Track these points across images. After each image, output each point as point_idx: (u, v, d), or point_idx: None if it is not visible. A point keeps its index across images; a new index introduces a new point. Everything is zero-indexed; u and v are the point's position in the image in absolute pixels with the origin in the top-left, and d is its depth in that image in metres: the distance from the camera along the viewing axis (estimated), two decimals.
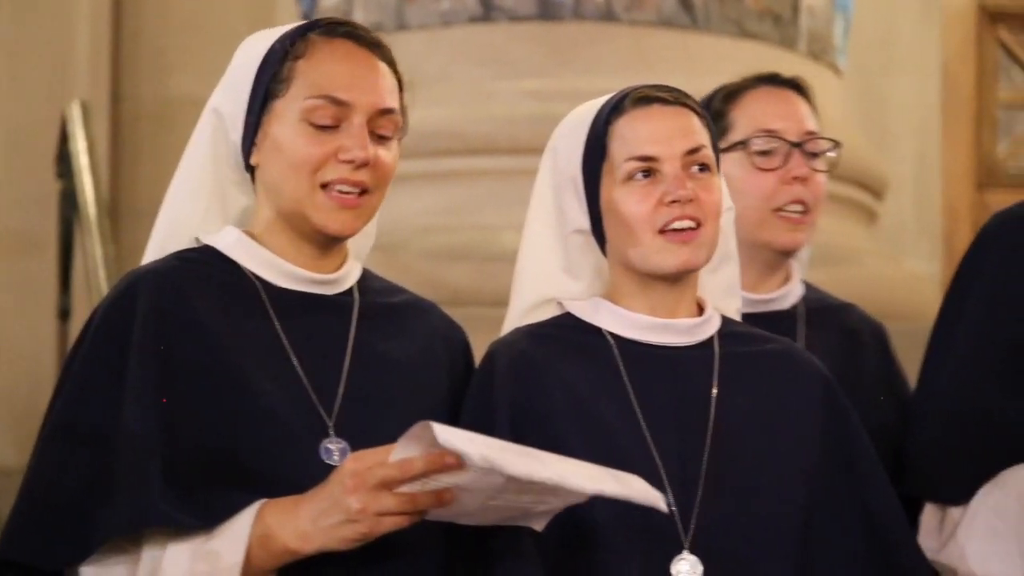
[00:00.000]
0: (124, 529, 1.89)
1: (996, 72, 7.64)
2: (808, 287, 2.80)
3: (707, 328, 2.25)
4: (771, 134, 2.66)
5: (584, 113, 2.27)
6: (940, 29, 7.42)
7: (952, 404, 2.45)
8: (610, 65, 4.66)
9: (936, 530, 2.44)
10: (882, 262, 5.45)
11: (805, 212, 2.68)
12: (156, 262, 2.10)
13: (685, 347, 2.23)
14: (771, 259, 2.71)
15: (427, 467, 1.81)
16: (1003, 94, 7.64)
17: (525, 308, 2.30)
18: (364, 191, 2.07)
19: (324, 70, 2.07)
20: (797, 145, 2.66)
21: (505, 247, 4.46)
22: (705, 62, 4.70)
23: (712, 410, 2.18)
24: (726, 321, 2.29)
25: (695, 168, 2.20)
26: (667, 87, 2.25)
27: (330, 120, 2.04)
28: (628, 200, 2.18)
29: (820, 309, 2.76)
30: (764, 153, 2.66)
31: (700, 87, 4.24)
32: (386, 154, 2.10)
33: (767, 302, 2.71)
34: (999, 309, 2.44)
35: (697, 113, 2.24)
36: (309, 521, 1.87)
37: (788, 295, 2.74)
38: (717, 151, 2.27)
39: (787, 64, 5.07)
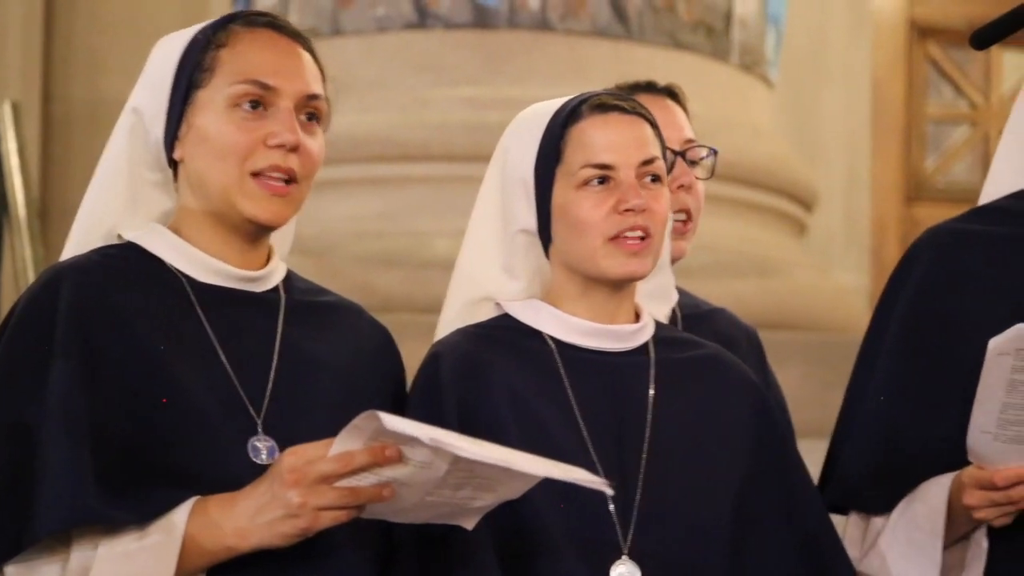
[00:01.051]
0: (57, 526, 1.87)
1: (925, 87, 7.71)
2: (681, 293, 2.83)
3: (643, 334, 2.27)
4: None
5: (539, 114, 2.28)
6: (871, 44, 7.48)
7: (876, 418, 2.49)
8: (544, 74, 4.68)
9: (860, 540, 2.47)
10: (811, 274, 5.49)
11: (688, 220, 2.71)
12: (77, 258, 2.06)
13: (622, 352, 2.25)
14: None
15: (368, 460, 1.81)
16: (932, 109, 7.71)
17: (462, 304, 2.30)
18: (292, 180, 2.06)
19: (249, 57, 2.07)
20: (679, 154, 2.70)
21: (437, 254, 4.47)
22: (639, 72, 4.70)
23: (649, 416, 2.20)
24: (659, 326, 2.31)
25: (648, 178, 2.22)
26: (624, 96, 2.27)
27: (258, 102, 2.04)
28: (582, 205, 2.20)
29: (694, 316, 2.79)
30: None
31: None
32: (313, 144, 2.09)
33: None
34: (922, 325, 2.48)
35: (651, 123, 2.27)
36: (247, 517, 1.86)
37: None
38: (665, 160, 2.29)
39: (719, 75, 5.12)
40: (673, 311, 2.72)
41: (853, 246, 7.36)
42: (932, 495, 2.35)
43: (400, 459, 1.79)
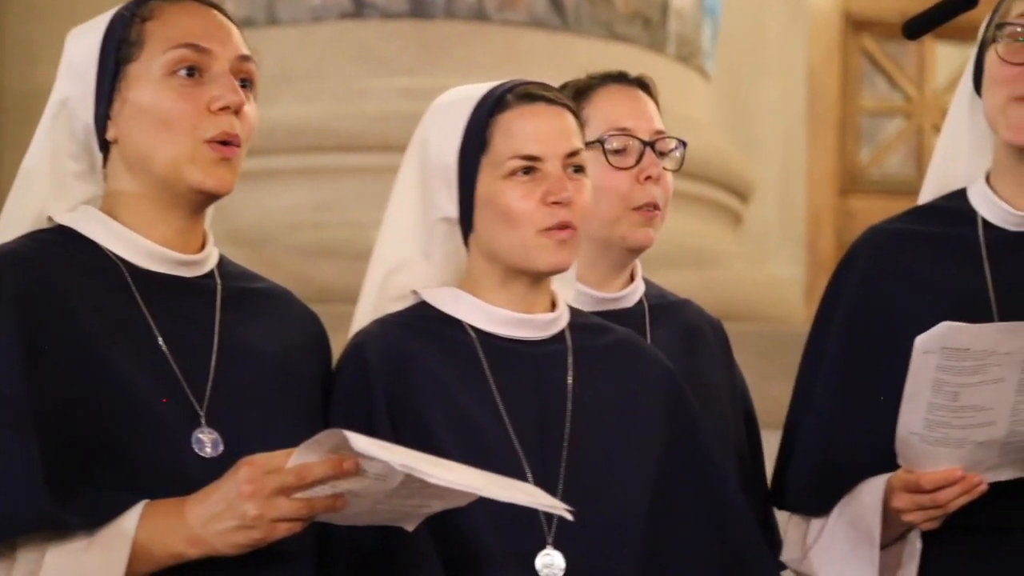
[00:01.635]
0: (9, 534, 1.84)
1: (860, 80, 7.76)
2: (647, 283, 2.84)
3: (560, 322, 2.28)
4: (624, 132, 2.69)
5: (458, 102, 2.27)
6: (806, 36, 7.52)
7: (817, 421, 2.51)
8: (481, 64, 4.68)
9: (800, 541, 2.49)
10: (747, 265, 5.52)
11: (656, 210, 2.71)
12: (11, 243, 2.02)
13: (541, 341, 2.25)
14: (620, 257, 2.74)
15: (327, 473, 1.80)
16: (866, 102, 7.76)
17: (380, 292, 2.30)
18: (236, 144, 2.05)
19: (178, 23, 2.05)
20: (649, 144, 2.70)
21: (373, 244, 4.46)
22: (575, 63, 4.70)
23: (569, 405, 2.21)
24: (574, 313, 2.32)
25: (572, 170, 2.22)
26: (547, 85, 2.27)
27: (194, 69, 2.02)
28: (510, 195, 2.20)
29: (662, 306, 2.80)
30: (618, 152, 2.69)
31: None
32: (251, 108, 2.08)
33: (614, 300, 2.74)
34: (862, 326, 2.49)
35: (574, 113, 2.27)
36: (199, 525, 1.84)
37: (633, 293, 2.77)
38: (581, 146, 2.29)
39: (656, 66, 5.12)
40: (641, 300, 2.74)
41: (788, 238, 7.40)
42: (868, 496, 2.37)
43: (358, 471, 1.79)
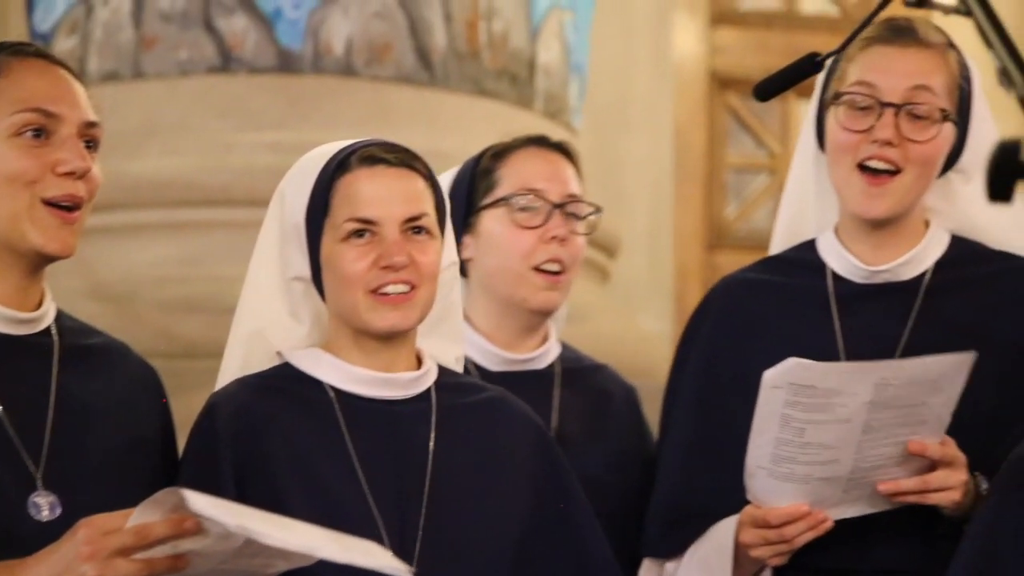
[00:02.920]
0: None
1: (725, 136, 7.85)
2: (564, 347, 2.86)
3: (425, 380, 2.27)
4: (534, 193, 2.72)
5: (313, 161, 2.28)
6: (672, 94, 7.60)
7: (672, 468, 2.54)
8: (349, 119, 4.67)
9: None
10: (614, 319, 5.54)
11: (561, 272, 2.73)
12: None
13: (403, 400, 2.24)
14: (527, 319, 2.76)
15: (167, 533, 1.78)
16: (732, 158, 7.85)
17: (246, 351, 2.28)
18: (78, 207, 2.03)
19: (26, 85, 2.04)
20: (559, 206, 2.72)
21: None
22: (444, 119, 4.74)
23: (430, 464, 2.21)
24: (443, 372, 2.32)
25: (414, 232, 2.22)
26: (396, 147, 2.27)
27: (40, 130, 2.00)
28: (344, 258, 2.20)
29: (576, 370, 2.82)
30: (525, 210, 2.72)
31: (439, 143, 4.28)
32: (97, 170, 2.07)
33: (524, 361, 2.76)
34: (714, 375, 2.53)
35: (423, 175, 2.27)
36: None
37: (545, 355, 2.79)
38: (443, 211, 2.30)
39: (524, 123, 5.15)
40: (554, 364, 2.75)
41: (657, 292, 7.45)
42: (720, 535, 2.40)
43: (199, 531, 1.77)
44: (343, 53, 4.80)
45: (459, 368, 2.40)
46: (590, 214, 2.77)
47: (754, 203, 7.84)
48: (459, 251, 2.65)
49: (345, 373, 2.23)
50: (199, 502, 1.72)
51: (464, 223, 2.73)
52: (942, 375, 2.23)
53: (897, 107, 2.40)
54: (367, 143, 2.26)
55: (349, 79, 4.79)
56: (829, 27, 7.57)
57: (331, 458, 2.17)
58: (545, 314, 2.77)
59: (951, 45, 2.46)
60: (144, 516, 1.78)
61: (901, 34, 2.44)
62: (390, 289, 2.19)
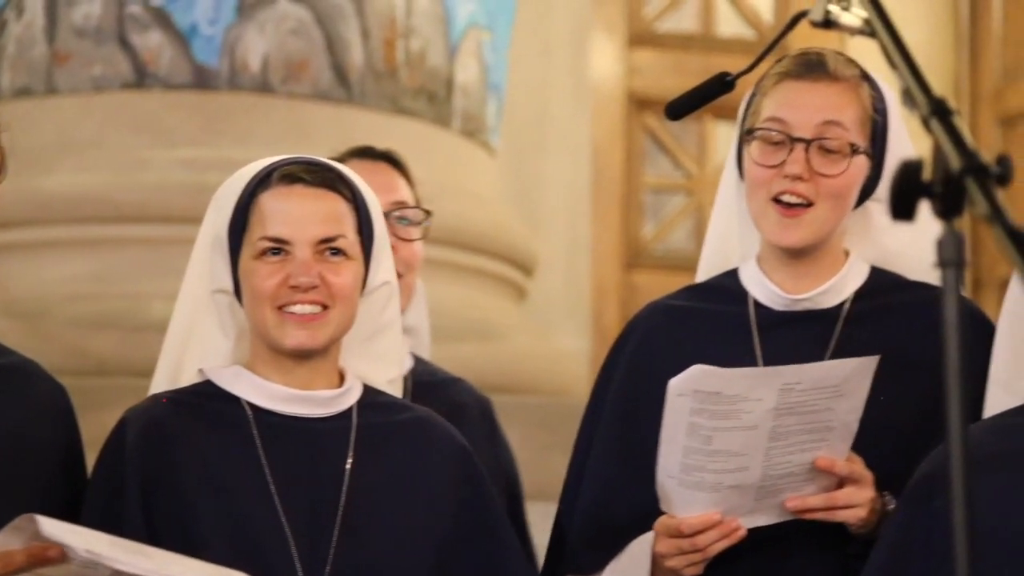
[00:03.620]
0: None
1: (643, 157, 7.89)
2: (417, 360, 2.86)
3: (347, 399, 2.26)
4: None
5: (242, 174, 2.28)
6: (591, 113, 7.63)
7: (593, 485, 2.56)
8: (265, 136, 4.66)
9: None
10: (531, 338, 5.56)
11: (400, 278, 2.75)
12: None
13: (323, 418, 2.24)
14: None
15: (29, 561, 1.76)
16: (650, 178, 7.89)
17: (175, 366, 2.27)
18: None
19: None
20: (386, 214, 2.75)
21: (153, 316, 4.40)
22: (361, 136, 4.71)
23: (346, 483, 2.20)
24: (368, 391, 2.31)
25: (328, 252, 2.22)
26: (318, 164, 2.26)
27: None
28: (257, 275, 2.20)
29: (429, 383, 2.82)
30: None
31: None
32: None
33: None
34: (634, 396, 2.55)
35: (344, 196, 2.26)
36: None
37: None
38: (368, 232, 2.30)
39: (441, 141, 5.17)
40: (405, 378, 2.74)
41: (574, 311, 7.47)
42: (637, 547, 2.41)
43: (63, 559, 1.75)
44: (259, 70, 4.79)
45: (394, 390, 2.39)
46: (422, 220, 2.81)
47: (671, 223, 7.88)
48: None
49: (263, 390, 2.22)
50: (51, 528, 1.71)
51: None
52: (845, 380, 2.25)
53: (807, 142, 2.43)
54: (290, 160, 2.26)
55: (265, 96, 4.78)
56: (745, 49, 7.63)
57: (244, 474, 2.16)
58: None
59: (865, 76, 2.49)
60: (5, 543, 1.76)
61: (812, 69, 2.47)
62: (297, 309, 2.18)
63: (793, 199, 2.44)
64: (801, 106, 2.44)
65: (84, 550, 1.70)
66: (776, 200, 2.45)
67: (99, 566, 1.75)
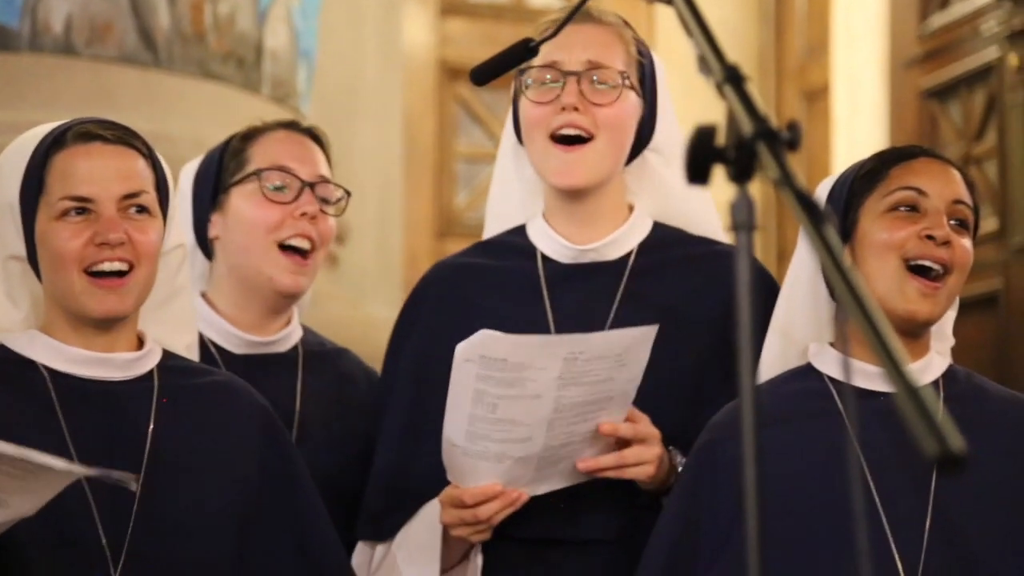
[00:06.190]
0: None
1: (455, 126, 7.91)
2: (306, 331, 2.86)
3: (146, 362, 2.25)
4: (284, 170, 2.74)
5: (28, 139, 2.24)
6: (402, 82, 7.63)
7: (384, 450, 2.58)
8: (69, 100, 4.57)
9: (366, 566, 2.55)
10: (343, 306, 5.55)
11: (310, 252, 2.75)
12: None
13: (123, 382, 2.22)
14: (274, 302, 2.75)
15: None
16: (462, 148, 7.92)
17: None
18: None
19: None
20: (309, 185, 2.74)
21: None
22: (167, 101, 4.67)
23: (148, 444, 2.19)
24: (168, 355, 2.30)
25: (133, 210, 2.20)
26: (114, 124, 2.24)
27: None
28: (59, 236, 2.17)
29: (319, 354, 2.82)
30: (278, 188, 2.73)
31: (162, 126, 4.22)
32: None
33: (267, 344, 2.75)
34: (428, 359, 2.58)
35: (142, 153, 2.24)
36: None
37: (288, 338, 2.79)
38: (164, 191, 2.28)
39: (250, 107, 5.11)
40: (295, 347, 2.74)
41: (385, 280, 7.47)
42: (428, 514, 2.44)
43: None
44: (62, 32, 4.70)
45: (191, 355, 2.38)
46: (340, 199, 2.80)
47: (484, 192, 7.91)
48: (207, 230, 2.64)
49: (61, 353, 2.20)
50: None
51: (213, 202, 2.72)
52: (626, 349, 2.28)
53: (578, 75, 2.50)
54: (84, 120, 2.23)
55: (69, 59, 4.69)
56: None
57: (41, 436, 2.14)
58: (291, 297, 2.78)
59: (627, 25, 2.59)
60: None
61: (580, 17, 2.56)
62: (106, 267, 2.16)
63: (571, 131, 2.51)
64: (570, 46, 2.53)
65: None
66: (555, 139, 2.51)
67: None
